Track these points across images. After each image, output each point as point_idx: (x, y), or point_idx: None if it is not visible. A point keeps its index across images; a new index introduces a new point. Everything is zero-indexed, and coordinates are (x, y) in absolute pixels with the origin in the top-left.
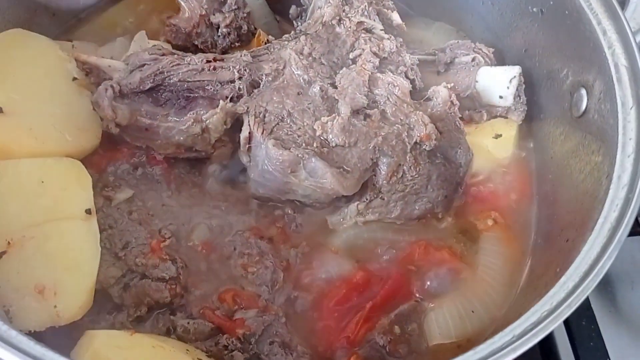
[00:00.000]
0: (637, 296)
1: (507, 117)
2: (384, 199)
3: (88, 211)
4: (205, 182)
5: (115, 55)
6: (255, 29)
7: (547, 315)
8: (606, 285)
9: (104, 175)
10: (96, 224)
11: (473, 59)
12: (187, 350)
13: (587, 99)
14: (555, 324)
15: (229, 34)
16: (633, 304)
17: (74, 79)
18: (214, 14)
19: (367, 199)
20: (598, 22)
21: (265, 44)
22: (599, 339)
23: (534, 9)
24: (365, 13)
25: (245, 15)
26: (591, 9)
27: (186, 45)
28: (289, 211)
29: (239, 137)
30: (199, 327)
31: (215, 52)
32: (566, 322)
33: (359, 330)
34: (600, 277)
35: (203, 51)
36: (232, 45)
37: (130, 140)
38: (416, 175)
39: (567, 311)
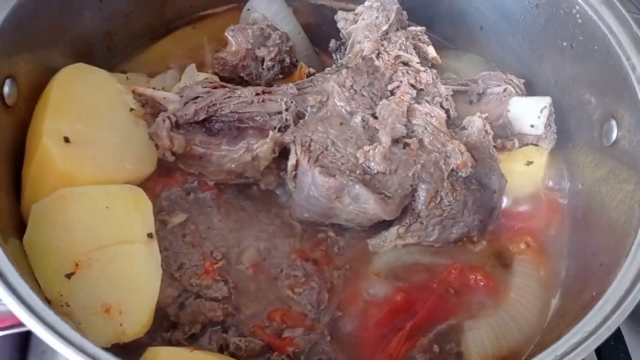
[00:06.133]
0: None
1: (537, 145)
2: (422, 223)
3: (150, 235)
4: (252, 207)
5: (166, 86)
6: (297, 61)
7: (588, 336)
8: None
9: (158, 200)
10: (157, 248)
11: (504, 90)
12: None
13: (618, 130)
14: (595, 345)
15: (273, 66)
16: None
17: (131, 109)
18: (259, 48)
19: (406, 223)
20: (627, 58)
21: (307, 75)
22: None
23: (564, 43)
24: (403, 47)
25: (288, 48)
26: (620, 45)
27: (232, 77)
28: (332, 234)
29: (285, 164)
30: (250, 345)
31: (259, 84)
32: None
33: (400, 349)
34: (637, 300)
35: (248, 83)
36: (276, 77)
37: (184, 167)
38: (453, 201)
39: (606, 333)
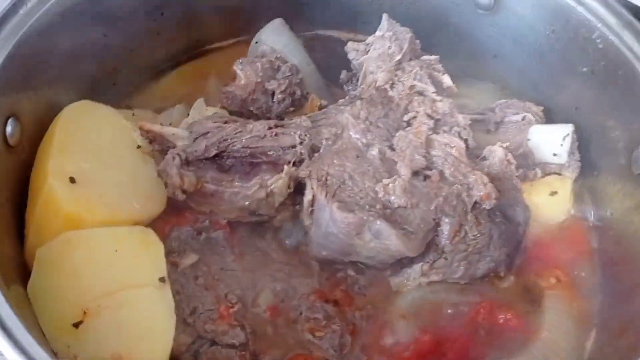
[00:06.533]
0: None
1: (561, 174)
2: (447, 259)
3: (162, 279)
4: (267, 245)
5: (173, 122)
6: (308, 93)
7: None
8: None
9: (168, 240)
10: (170, 292)
11: (523, 118)
12: None
13: None
14: None
15: (283, 99)
16: None
17: (138, 147)
18: (268, 81)
19: (430, 260)
20: None
21: (319, 108)
22: None
23: (585, 69)
24: (417, 77)
25: (298, 81)
26: None
27: (241, 111)
28: (352, 273)
29: (301, 200)
30: None
31: (270, 117)
32: None
33: None
34: None
35: (258, 116)
36: (287, 110)
37: (195, 206)
38: (478, 235)
39: None
